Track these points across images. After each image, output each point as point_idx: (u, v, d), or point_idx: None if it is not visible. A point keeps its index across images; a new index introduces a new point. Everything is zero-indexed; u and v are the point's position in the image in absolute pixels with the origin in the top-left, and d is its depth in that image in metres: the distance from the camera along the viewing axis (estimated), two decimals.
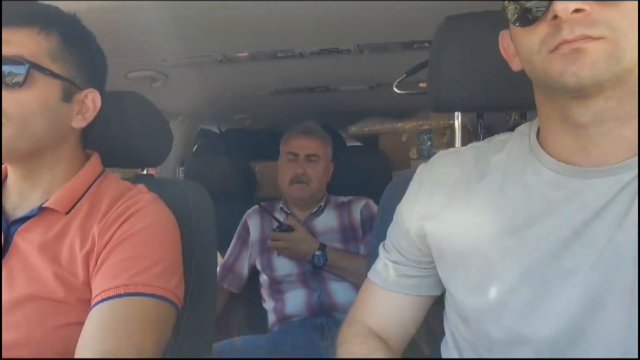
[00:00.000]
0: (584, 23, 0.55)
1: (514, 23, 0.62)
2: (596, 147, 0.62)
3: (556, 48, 0.57)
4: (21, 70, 0.75)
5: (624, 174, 0.60)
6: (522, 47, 0.63)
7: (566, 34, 0.56)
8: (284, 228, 1.62)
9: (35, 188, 0.83)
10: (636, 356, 0.57)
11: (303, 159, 1.72)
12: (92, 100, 0.84)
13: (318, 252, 1.58)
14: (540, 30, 0.59)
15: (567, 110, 0.61)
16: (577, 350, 0.60)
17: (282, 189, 1.75)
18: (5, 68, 0.75)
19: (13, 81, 0.75)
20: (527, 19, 0.60)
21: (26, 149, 0.78)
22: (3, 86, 0.75)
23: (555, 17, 0.56)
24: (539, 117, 0.70)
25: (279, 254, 1.66)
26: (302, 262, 1.63)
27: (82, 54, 0.84)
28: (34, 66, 0.76)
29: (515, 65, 0.69)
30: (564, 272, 0.61)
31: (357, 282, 1.55)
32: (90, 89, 0.84)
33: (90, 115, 0.85)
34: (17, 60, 0.75)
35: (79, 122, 0.84)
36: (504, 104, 0.91)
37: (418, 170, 0.81)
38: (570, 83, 0.57)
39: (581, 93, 0.58)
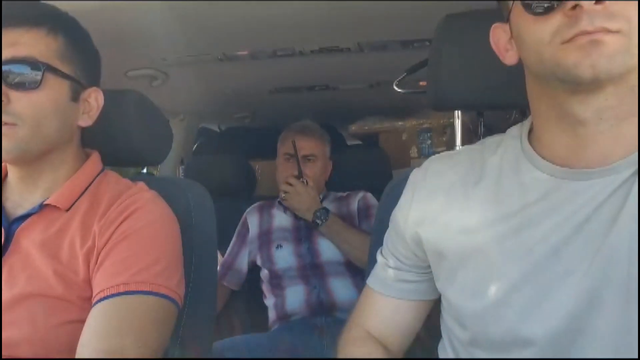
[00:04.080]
0: (604, 15, 0.54)
1: (527, 10, 0.59)
2: (593, 146, 0.61)
3: (571, 39, 0.56)
4: (37, 71, 0.76)
5: (621, 173, 0.60)
6: (530, 36, 0.60)
7: (585, 24, 0.54)
8: (302, 179, 1.68)
9: (37, 188, 0.83)
10: (635, 352, 0.57)
11: (300, 159, 1.72)
12: (95, 98, 0.86)
13: (322, 209, 1.63)
14: (554, 20, 0.57)
15: (567, 107, 0.61)
16: (576, 347, 0.60)
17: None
18: (17, 69, 0.75)
19: (28, 83, 0.75)
20: (542, 7, 0.58)
21: (39, 150, 0.79)
22: (17, 88, 0.75)
23: (574, 7, 0.55)
24: (533, 115, 0.69)
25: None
26: (303, 256, 1.63)
27: (84, 53, 0.85)
28: (48, 68, 0.77)
29: (509, 59, 0.68)
30: (562, 272, 0.61)
31: (350, 251, 1.58)
32: (94, 88, 0.86)
33: (94, 114, 0.86)
34: (31, 62, 0.75)
35: (86, 121, 0.86)
36: (504, 102, 0.91)
37: (411, 175, 0.80)
38: (586, 75, 0.55)
39: (591, 86, 0.57)
